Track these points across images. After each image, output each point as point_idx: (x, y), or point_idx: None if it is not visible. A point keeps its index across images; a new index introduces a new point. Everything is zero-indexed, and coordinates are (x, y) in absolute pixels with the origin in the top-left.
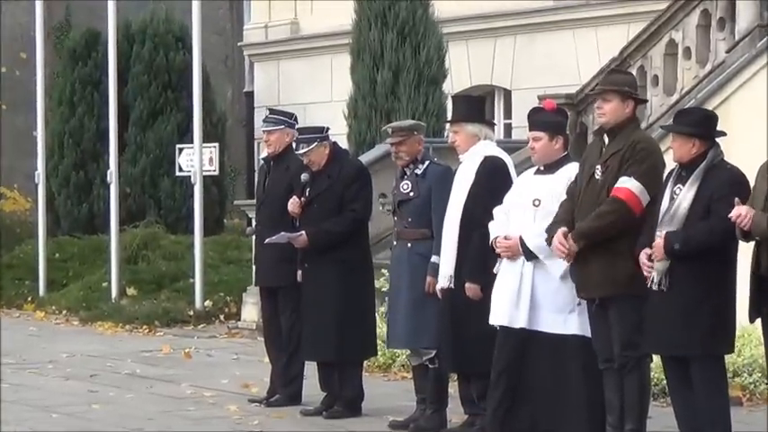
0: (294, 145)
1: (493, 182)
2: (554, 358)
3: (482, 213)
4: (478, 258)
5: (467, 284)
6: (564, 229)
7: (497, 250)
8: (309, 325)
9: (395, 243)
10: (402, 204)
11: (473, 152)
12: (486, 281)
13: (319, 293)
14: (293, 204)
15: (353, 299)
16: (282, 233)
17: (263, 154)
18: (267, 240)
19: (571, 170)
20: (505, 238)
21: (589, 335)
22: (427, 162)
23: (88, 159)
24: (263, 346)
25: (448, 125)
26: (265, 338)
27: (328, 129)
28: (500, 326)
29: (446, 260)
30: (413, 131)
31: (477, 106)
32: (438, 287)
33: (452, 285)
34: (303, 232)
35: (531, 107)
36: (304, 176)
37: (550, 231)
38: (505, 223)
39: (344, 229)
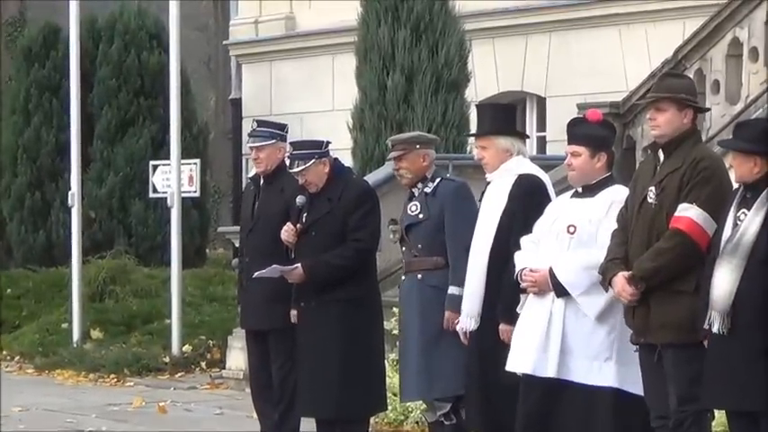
0: (288, 162)
1: (529, 204)
2: (585, 415)
3: (516, 242)
4: (513, 296)
5: (501, 326)
6: (625, 273)
7: (523, 284)
8: (306, 375)
9: (403, 278)
10: (411, 229)
11: (504, 170)
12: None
13: (318, 338)
14: (287, 232)
15: (358, 344)
16: (275, 266)
17: (252, 173)
18: (256, 274)
19: (614, 194)
20: (532, 270)
21: (627, 388)
22: (438, 179)
23: (46, 178)
24: (252, 399)
25: (472, 139)
26: (253, 390)
27: (329, 143)
28: (524, 374)
29: (472, 297)
30: (414, 144)
31: (507, 116)
32: (461, 328)
33: (481, 327)
34: (299, 265)
35: (572, 117)
36: (300, 199)
37: (607, 272)
38: (534, 254)
39: (348, 261)
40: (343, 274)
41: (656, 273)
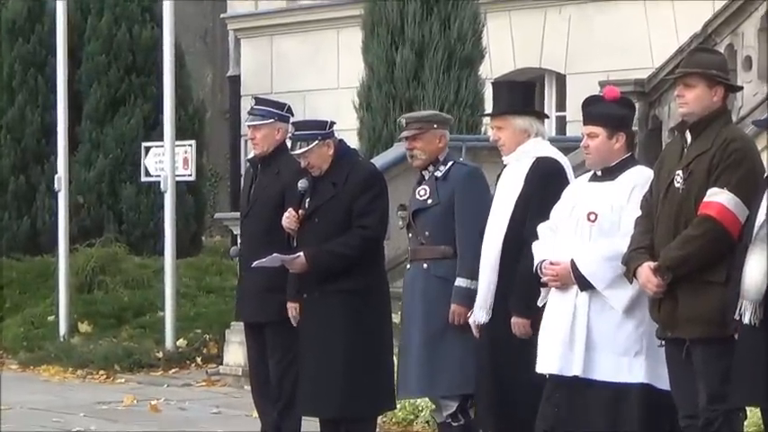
0: (289, 144)
1: (546, 189)
2: (613, 413)
3: (531, 230)
4: (528, 286)
5: (513, 319)
6: (651, 263)
7: (543, 278)
8: (309, 371)
9: (408, 266)
10: (418, 215)
11: (521, 152)
12: (538, 314)
13: (321, 331)
14: (289, 219)
15: (365, 338)
16: (275, 254)
17: (251, 155)
18: (255, 264)
19: (636, 176)
20: (552, 263)
21: (659, 385)
22: (450, 163)
23: (31, 161)
24: (251, 397)
25: (487, 120)
26: (253, 387)
27: (333, 123)
28: (549, 374)
29: (485, 288)
30: (432, 124)
31: (525, 95)
32: (473, 321)
33: (494, 320)
34: (301, 253)
35: (588, 96)
36: (302, 183)
37: (631, 263)
38: (553, 243)
39: (353, 250)
40: (348, 264)
41: (684, 262)
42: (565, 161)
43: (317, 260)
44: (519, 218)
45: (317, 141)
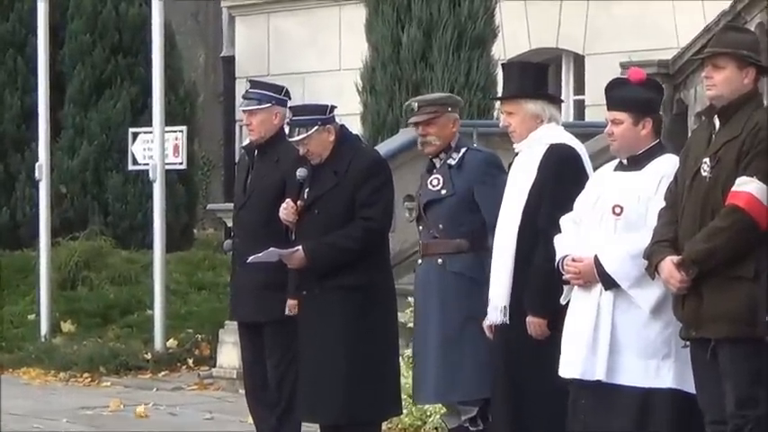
0: (287, 130)
1: (562, 178)
2: (641, 419)
3: (547, 221)
4: (544, 282)
5: (529, 318)
6: (674, 257)
7: (565, 276)
8: (308, 374)
9: (420, 262)
10: (430, 207)
11: (534, 139)
12: (555, 313)
13: (322, 331)
14: (287, 210)
15: (368, 338)
16: (272, 249)
17: (246, 142)
18: (251, 259)
19: (664, 165)
20: (575, 259)
21: (689, 389)
22: (464, 149)
23: (10, 148)
24: (246, 402)
25: (498, 103)
26: (248, 391)
27: (334, 108)
28: (572, 378)
29: (498, 286)
30: (446, 107)
31: (537, 77)
32: (486, 323)
33: (507, 320)
34: (299, 247)
35: (611, 79)
36: (301, 172)
37: (653, 257)
38: (576, 238)
39: (356, 243)
40: (350, 258)
41: (710, 256)
42: (581, 148)
43: (316, 254)
44: (533, 209)
45: (316, 127)
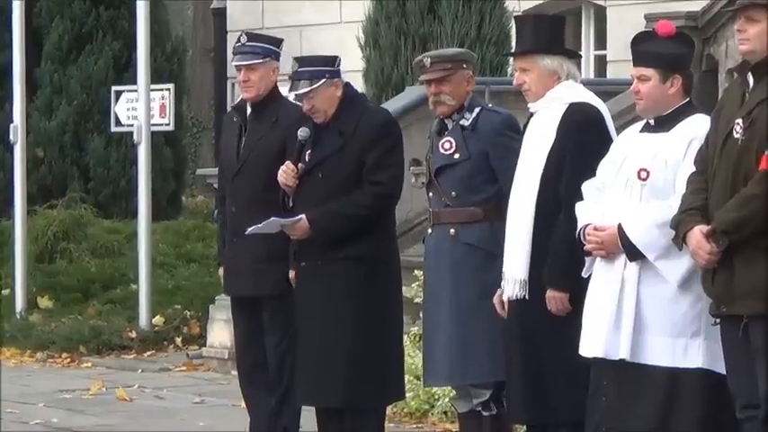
0: (288, 84)
1: (584, 140)
2: (668, 401)
3: (569, 188)
4: (565, 254)
5: (548, 293)
6: (703, 227)
7: (587, 246)
8: (307, 353)
9: (430, 231)
10: (442, 172)
11: (551, 98)
12: (578, 287)
13: (323, 306)
14: (286, 173)
15: (374, 315)
16: (273, 218)
17: (237, 101)
18: (250, 230)
19: (694, 126)
20: (597, 228)
21: (719, 369)
22: (478, 108)
23: None
24: (239, 384)
25: (512, 60)
26: (241, 373)
27: (341, 61)
28: (594, 358)
29: (515, 258)
30: (461, 63)
31: (553, 30)
32: (500, 298)
33: (527, 295)
34: (303, 216)
35: (637, 32)
36: (303, 132)
37: (680, 226)
38: (599, 205)
39: (365, 210)
40: (358, 226)
41: (742, 225)
42: (603, 107)
43: (322, 223)
44: (552, 175)
45: (323, 80)
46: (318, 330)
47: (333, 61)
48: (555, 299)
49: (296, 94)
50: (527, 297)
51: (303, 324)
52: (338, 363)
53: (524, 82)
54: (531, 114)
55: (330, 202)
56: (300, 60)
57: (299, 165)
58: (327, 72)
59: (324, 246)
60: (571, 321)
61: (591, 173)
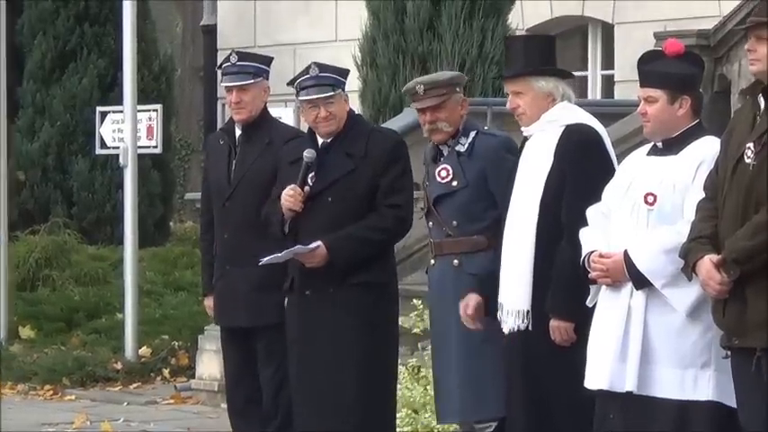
0: (304, 90)
1: (583, 163)
2: None
3: (570, 213)
4: (569, 282)
5: (552, 322)
6: (713, 257)
7: (592, 274)
8: (310, 386)
9: (433, 262)
10: (441, 201)
11: (547, 121)
12: (583, 316)
13: (331, 337)
14: (294, 197)
15: (380, 342)
16: (297, 246)
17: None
18: (265, 261)
19: (704, 149)
20: (602, 255)
21: (731, 402)
22: (473, 132)
23: None
24: (228, 419)
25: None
26: (230, 406)
27: (348, 73)
28: (599, 390)
29: (515, 289)
30: (455, 87)
31: (545, 51)
32: (472, 308)
33: (530, 326)
34: (320, 243)
35: (645, 51)
36: (309, 154)
37: (690, 255)
38: (605, 231)
39: (386, 235)
40: (376, 252)
41: (754, 255)
42: (601, 128)
43: (341, 250)
44: (552, 200)
45: (340, 90)
46: (331, 357)
47: (346, 74)
48: (559, 329)
49: (316, 98)
50: (530, 328)
51: (309, 352)
52: (348, 395)
53: (518, 106)
54: (526, 138)
55: (346, 227)
56: (321, 66)
57: (306, 188)
58: (343, 83)
59: (339, 272)
60: (576, 352)
61: (592, 196)
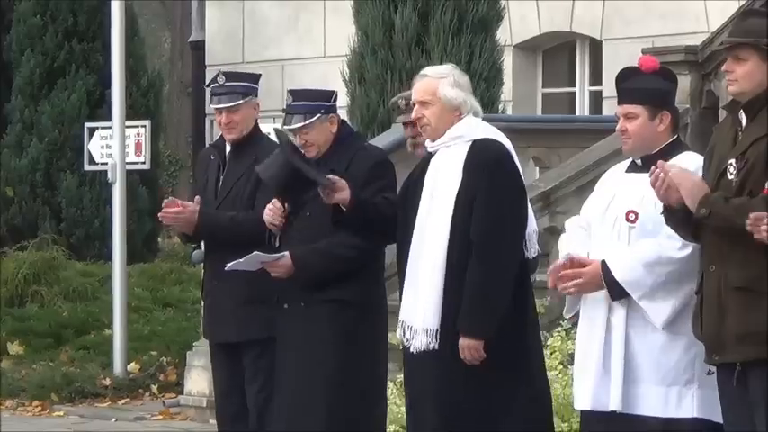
0: (284, 119)
1: (494, 182)
2: None
3: (481, 230)
4: (480, 301)
5: (461, 341)
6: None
7: (561, 286)
8: (285, 401)
9: None
10: None
11: (452, 137)
12: (491, 330)
13: (303, 353)
14: (273, 212)
15: (355, 365)
16: (255, 252)
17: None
18: (229, 266)
19: (685, 164)
20: (573, 261)
21: (713, 418)
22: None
23: None
24: None
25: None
26: (220, 422)
27: (336, 96)
28: (582, 411)
29: (423, 306)
30: None
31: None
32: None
33: (437, 346)
34: (286, 253)
35: (622, 69)
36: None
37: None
38: (584, 242)
39: (353, 252)
40: (344, 268)
41: (728, 219)
42: (508, 143)
43: (306, 262)
44: (461, 217)
45: (318, 115)
46: (296, 375)
47: (329, 96)
48: (469, 347)
49: (289, 130)
50: (437, 348)
51: (283, 369)
52: (317, 406)
53: (423, 117)
54: (429, 154)
55: (317, 242)
56: (295, 94)
57: (287, 204)
58: (323, 107)
59: (308, 287)
60: (488, 369)
61: (502, 212)
